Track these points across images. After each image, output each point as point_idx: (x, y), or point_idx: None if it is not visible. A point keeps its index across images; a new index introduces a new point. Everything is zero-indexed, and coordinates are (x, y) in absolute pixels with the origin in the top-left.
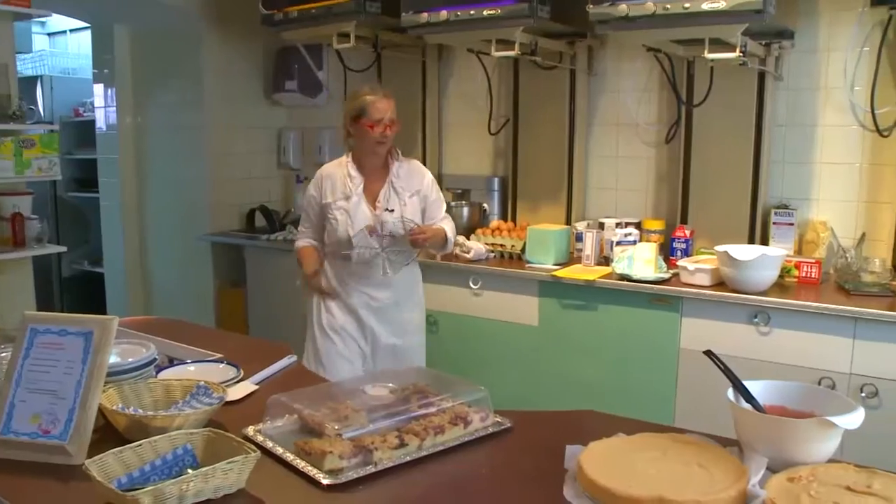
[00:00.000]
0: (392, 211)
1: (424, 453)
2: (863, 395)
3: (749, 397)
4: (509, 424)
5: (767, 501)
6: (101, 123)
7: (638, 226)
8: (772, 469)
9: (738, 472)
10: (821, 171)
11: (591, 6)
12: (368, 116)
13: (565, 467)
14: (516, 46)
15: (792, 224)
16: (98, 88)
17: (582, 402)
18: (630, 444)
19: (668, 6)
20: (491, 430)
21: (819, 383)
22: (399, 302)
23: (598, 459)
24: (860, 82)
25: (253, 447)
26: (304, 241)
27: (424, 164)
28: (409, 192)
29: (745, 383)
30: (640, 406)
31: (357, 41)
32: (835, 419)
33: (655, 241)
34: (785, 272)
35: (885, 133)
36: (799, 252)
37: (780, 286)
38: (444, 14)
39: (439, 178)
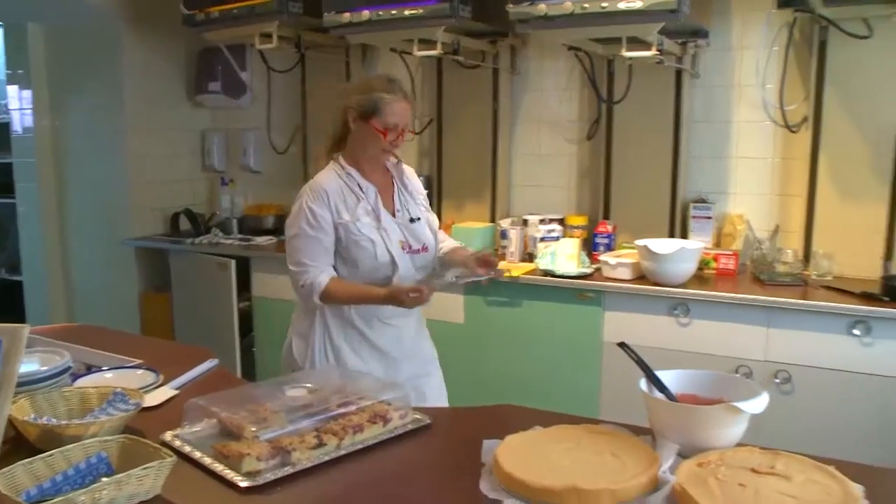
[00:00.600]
0: (417, 220)
1: (343, 452)
2: (777, 381)
3: (661, 387)
4: (428, 421)
5: (676, 486)
6: (16, 126)
7: (561, 222)
8: (683, 455)
9: (650, 460)
10: (736, 166)
11: (511, 6)
12: (381, 118)
13: (482, 461)
14: (438, 46)
15: (710, 217)
16: (12, 90)
17: (508, 397)
18: (546, 437)
19: (586, 5)
20: (410, 427)
21: (736, 371)
22: (419, 331)
23: (513, 452)
24: (771, 80)
25: (169, 452)
26: (326, 275)
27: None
28: (416, 195)
29: (658, 373)
30: (566, 399)
31: (280, 41)
32: (740, 405)
33: (578, 237)
34: (704, 264)
35: (794, 129)
36: (717, 245)
37: (699, 278)
38: (365, 14)
39: None
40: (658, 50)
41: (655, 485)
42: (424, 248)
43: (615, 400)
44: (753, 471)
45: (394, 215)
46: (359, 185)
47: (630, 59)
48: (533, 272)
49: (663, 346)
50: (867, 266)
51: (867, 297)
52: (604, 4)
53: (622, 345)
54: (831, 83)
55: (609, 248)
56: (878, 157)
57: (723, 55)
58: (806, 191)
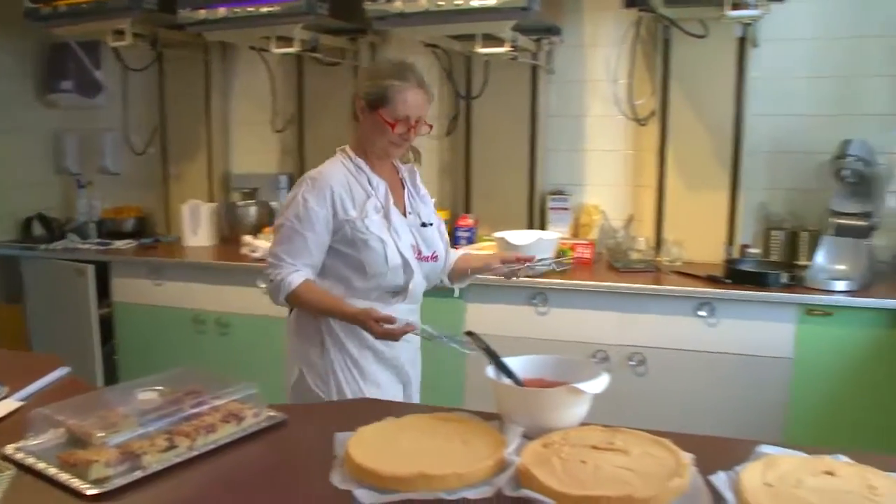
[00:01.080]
0: (429, 225)
1: (196, 453)
2: (632, 363)
3: (509, 373)
4: (284, 418)
5: (520, 467)
6: None
7: None
8: (530, 437)
9: (497, 444)
10: (591, 159)
11: (368, 3)
12: (390, 108)
13: (335, 454)
14: (296, 43)
15: (567, 209)
16: None
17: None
18: (397, 426)
19: (441, 3)
20: (265, 424)
21: (594, 356)
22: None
23: (364, 443)
24: (621, 76)
25: (9, 465)
26: (300, 275)
27: (211, 165)
28: (427, 200)
29: (505, 360)
30: (431, 392)
31: (135, 39)
32: (580, 385)
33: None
34: (562, 254)
35: (643, 122)
36: (575, 235)
37: None
38: (221, 11)
39: (227, 179)
40: (512, 46)
41: (502, 467)
42: (434, 257)
43: (479, 389)
44: (594, 448)
45: (405, 216)
46: (368, 178)
47: (486, 55)
48: None
49: (523, 335)
50: (713, 251)
51: (712, 280)
52: (458, 2)
53: (469, 333)
54: (675, 79)
55: (470, 241)
56: (719, 147)
57: (576, 52)
58: (656, 181)
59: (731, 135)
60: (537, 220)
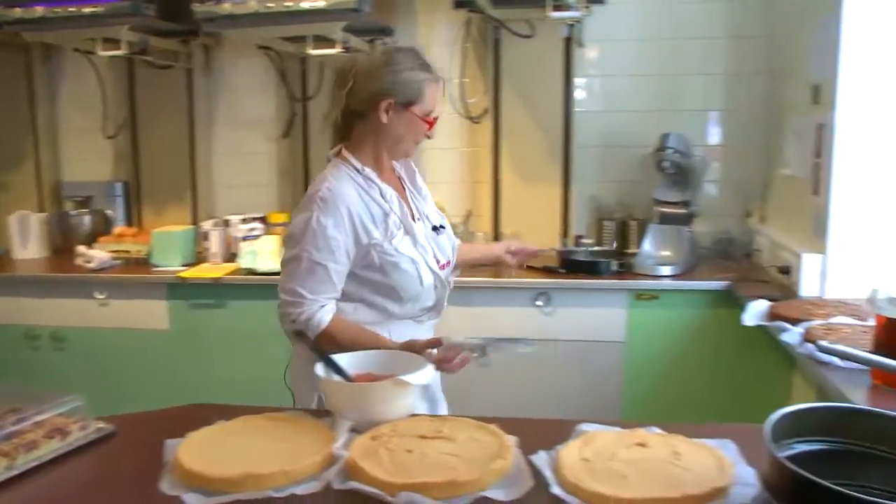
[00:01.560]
0: (441, 229)
1: (16, 472)
2: (475, 355)
3: (338, 370)
4: (112, 429)
5: (349, 460)
6: None
7: (264, 220)
8: (360, 431)
9: (326, 440)
10: (430, 156)
11: (196, 4)
12: (423, 105)
13: (164, 461)
14: (123, 45)
15: None
16: None
17: (217, 399)
18: (226, 430)
19: (270, 5)
20: (93, 437)
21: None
22: None
23: (193, 448)
24: (454, 75)
25: None
26: (327, 312)
27: (39, 173)
28: (428, 198)
29: (335, 357)
30: (275, 393)
31: None
32: (405, 377)
33: (280, 234)
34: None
35: (477, 120)
36: None
37: None
38: (39, 10)
39: (58, 187)
40: (344, 48)
41: (331, 461)
42: (448, 264)
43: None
44: (422, 437)
45: (414, 221)
46: (380, 190)
47: (318, 56)
48: (236, 272)
49: None
50: (549, 242)
51: (548, 271)
52: (287, 4)
53: (298, 333)
54: (506, 77)
55: None
56: (550, 143)
57: None
58: (491, 177)
59: (561, 131)
60: None
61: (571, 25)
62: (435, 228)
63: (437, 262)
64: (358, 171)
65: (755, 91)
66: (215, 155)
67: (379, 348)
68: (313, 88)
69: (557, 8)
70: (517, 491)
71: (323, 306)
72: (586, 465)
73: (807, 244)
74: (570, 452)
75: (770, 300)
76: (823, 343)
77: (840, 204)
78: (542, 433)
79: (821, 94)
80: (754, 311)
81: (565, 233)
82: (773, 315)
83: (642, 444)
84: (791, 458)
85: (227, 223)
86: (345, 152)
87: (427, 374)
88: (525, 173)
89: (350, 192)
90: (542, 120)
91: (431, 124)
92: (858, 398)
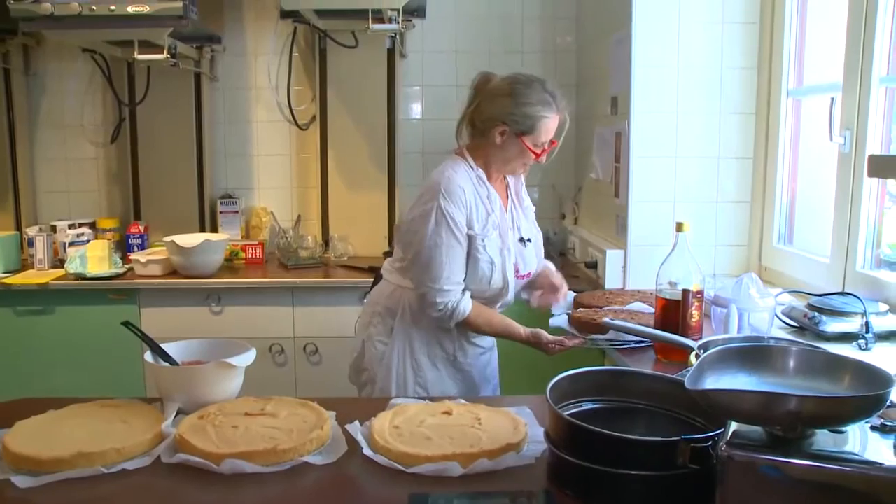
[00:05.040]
0: (528, 242)
1: None
2: (307, 353)
3: (166, 356)
4: None
5: (177, 436)
6: None
7: (92, 225)
8: (188, 412)
9: (156, 420)
10: (259, 163)
11: (13, 2)
12: (535, 136)
13: None
14: None
15: (237, 212)
16: None
17: (50, 404)
18: (57, 416)
19: (94, 7)
20: None
21: (270, 349)
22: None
23: (23, 435)
24: (283, 83)
25: None
26: (467, 300)
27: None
28: (528, 211)
29: (162, 345)
30: (116, 393)
31: None
32: (229, 360)
33: (110, 239)
34: (233, 256)
35: (304, 127)
36: (246, 236)
37: (229, 269)
38: None
39: None
40: (171, 54)
41: (160, 439)
42: (528, 275)
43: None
44: (247, 414)
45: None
46: (488, 192)
47: (143, 61)
48: (63, 277)
49: (200, 334)
50: (375, 245)
51: (374, 271)
52: (112, 7)
53: (126, 323)
54: (332, 86)
55: (143, 247)
56: (375, 150)
57: (239, 60)
58: (319, 182)
59: (385, 138)
60: (208, 223)
61: (394, 37)
62: (522, 240)
63: (518, 271)
64: (472, 168)
65: (568, 102)
66: (38, 160)
67: (512, 333)
68: (141, 93)
69: (379, 21)
70: (333, 456)
71: (464, 294)
72: (396, 431)
73: (611, 241)
74: (382, 421)
75: (576, 292)
76: (607, 320)
77: (636, 204)
78: (359, 408)
79: (618, 105)
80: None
81: (391, 236)
82: (576, 304)
83: (447, 413)
84: (571, 415)
85: (53, 229)
86: (464, 151)
87: (250, 357)
88: (352, 179)
89: (467, 185)
90: (368, 127)
91: (539, 155)
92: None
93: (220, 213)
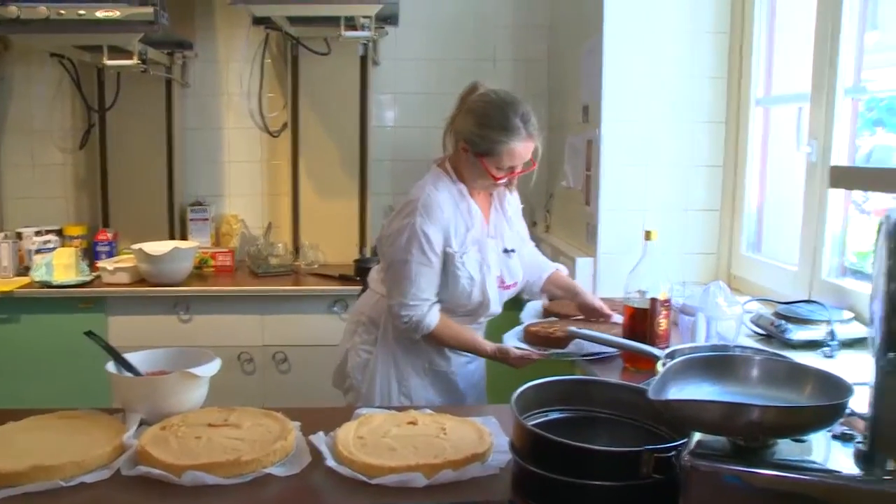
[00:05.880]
0: (512, 252)
1: None
2: (276, 361)
3: (129, 367)
4: None
5: (138, 448)
6: None
7: (59, 233)
8: (151, 423)
9: (116, 431)
10: (230, 170)
11: None
12: (496, 161)
13: None
14: None
15: (207, 219)
16: None
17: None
18: (16, 429)
19: (63, 12)
20: None
21: (238, 358)
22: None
23: None
24: (255, 90)
25: None
26: (434, 314)
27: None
28: (513, 222)
29: (127, 355)
30: (81, 403)
31: None
32: (193, 370)
33: (77, 247)
34: (203, 263)
35: (276, 134)
36: (216, 244)
37: (199, 276)
38: None
39: None
40: (141, 59)
41: (121, 451)
42: (514, 284)
43: None
44: (210, 425)
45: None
46: (469, 206)
47: (113, 67)
48: (29, 285)
49: (169, 343)
50: (346, 252)
51: (344, 279)
52: (81, 12)
53: (88, 333)
54: (304, 93)
55: (111, 254)
56: (347, 157)
57: (211, 66)
58: (291, 189)
59: (357, 145)
60: (178, 230)
61: (366, 44)
62: (506, 251)
63: (503, 281)
64: (453, 183)
65: (538, 111)
66: (5, 165)
67: (477, 348)
68: (110, 99)
69: (351, 28)
70: (296, 467)
71: (431, 308)
72: (360, 442)
73: (581, 249)
74: (346, 432)
75: (550, 299)
76: (573, 329)
77: (606, 212)
78: (324, 419)
79: (589, 114)
80: (531, 310)
81: (362, 242)
82: (546, 312)
83: (413, 423)
84: (536, 425)
85: (19, 236)
86: (446, 164)
87: (214, 367)
88: (323, 186)
89: (447, 203)
90: (340, 134)
91: (498, 179)
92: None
93: (190, 220)
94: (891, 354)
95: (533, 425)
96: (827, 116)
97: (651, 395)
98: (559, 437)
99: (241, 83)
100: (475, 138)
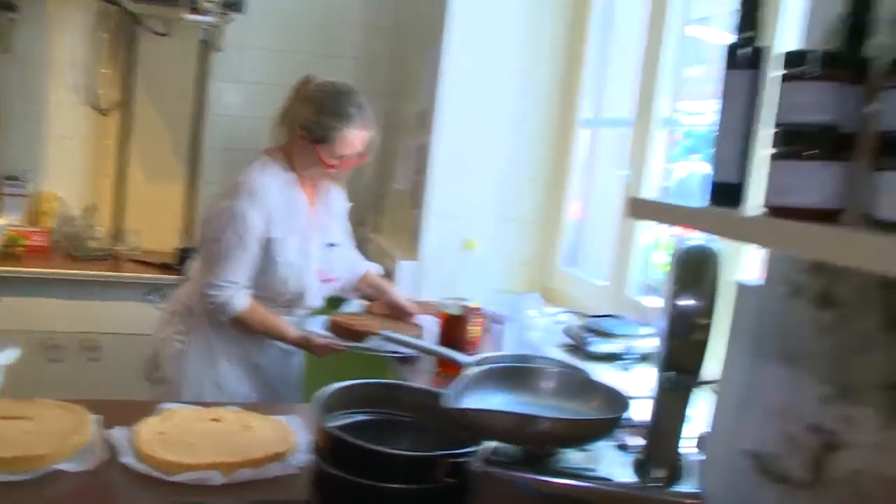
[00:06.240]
0: (336, 246)
1: None
2: (86, 349)
3: None
4: None
5: None
6: None
7: None
8: None
9: None
10: (51, 145)
11: None
12: (330, 149)
13: None
14: None
15: (24, 195)
16: None
17: None
18: None
19: None
20: None
21: (45, 345)
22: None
23: None
24: (86, 64)
25: None
26: (243, 297)
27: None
28: (339, 217)
29: None
30: None
31: None
32: None
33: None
34: (13, 242)
35: (106, 112)
36: (32, 222)
37: (8, 256)
38: None
39: None
40: None
41: None
42: (336, 279)
43: None
44: (3, 418)
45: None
46: (295, 195)
47: None
48: None
49: None
50: (170, 240)
51: (163, 267)
52: None
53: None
54: (141, 73)
55: None
56: (180, 142)
57: (39, 34)
58: (116, 172)
59: (190, 131)
60: None
61: (207, 29)
62: (330, 245)
63: (324, 274)
64: (283, 171)
65: (377, 110)
66: None
67: (283, 335)
68: None
69: (194, 10)
70: (91, 463)
71: (240, 291)
72: (161, 437)
73: (406, 252)
74: (147, 427)
75: (369, 300)
76: (387, 332)
77: (433, 217)
78: (127, 412)
79: (425, 118)
80: (351, 308)
81: (187, 232)
82: (368, 313)
83: (217, 420)
84: (340, 426)
85: None
86: (278, 153)
87: (10, 356)
88: (151, 171)
89: (273, 190)
90: (174, 119)
91: (331, 166)
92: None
93: (5, 195)
94: (669, 373)
95: (337, 427)
96: (644, 143)
97: (446, 402)
98: (357, 440)
99: (71, 55)
100: (312, 125)
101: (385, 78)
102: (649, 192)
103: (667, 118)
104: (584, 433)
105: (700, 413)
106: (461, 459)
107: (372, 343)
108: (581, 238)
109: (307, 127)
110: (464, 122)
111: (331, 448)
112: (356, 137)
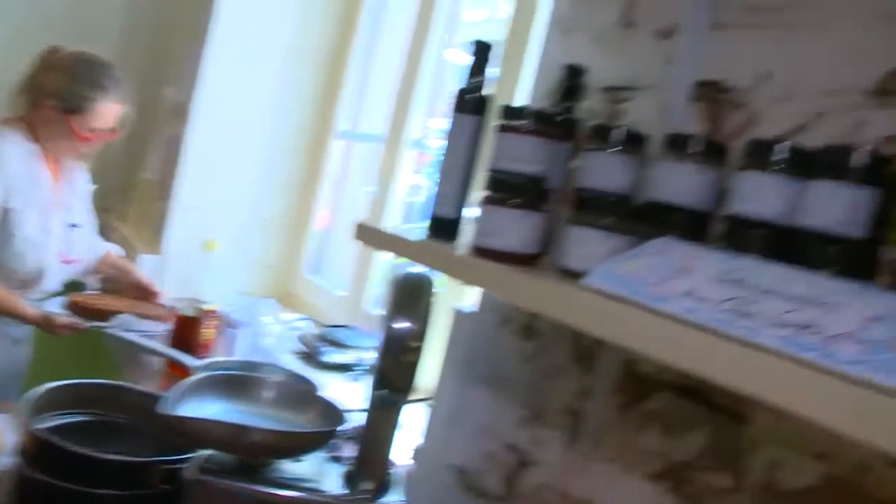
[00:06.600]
0: (78, 227)
1: None
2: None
3: None
4: None
5: None
6: None
7: None
8: None
9: None
10: None
11: None
12: (83, 120)
13: None
14: None
15: None
16: None
17: None
18: None
19: None
20: None
21: None
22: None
23: None
24: None
25: None
26: None
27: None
28: (82, 195)
29: None
30: None
31: None
32: None
33: None
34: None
35: None
36: None
37: None
38: None
39: None
40: None
41: None
42: (77, 261)
43: None
44: None
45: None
46: (38, 168)
47: None
48: None
49: None
50: None
51: None
52: None
53: None
54: None
55: None
56: None
57: None
58: None
59: None
60: None
61: None
62: (73, 225)
63: (64, 255)
64: (28, 141)
65: (135, 93)
66: None
67: (21, 312)
68: None
69: None
70: None
71: None
72: None
73: (150, 246)
74: None
75: (105, 279)
76: (113, 331)
77: (180, 212)
78: None
79: (181, 109)
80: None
81: None
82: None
83: None
84: (53, 427)
85: None
86: (17, 123)
87: None
88: None
89: (14, 158)
90: None
91: (85, 139)
92: (152, 384)
93: None
94: (381, 391)
95: (46, 428)
96: (393, 161)
97: (161, 409)
98: (64, 443)
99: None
100: (66, 94)
101: (146, 62)
102: (394, 209)
103: (417, 140)
104: (295, 445)
105: (417, 427)
106: (176, 466)
107: (118, 322)
108: (326, 247)
109: (59, 96)
110: (221, 117)
111: (36, 451)
112: (110, 110)
